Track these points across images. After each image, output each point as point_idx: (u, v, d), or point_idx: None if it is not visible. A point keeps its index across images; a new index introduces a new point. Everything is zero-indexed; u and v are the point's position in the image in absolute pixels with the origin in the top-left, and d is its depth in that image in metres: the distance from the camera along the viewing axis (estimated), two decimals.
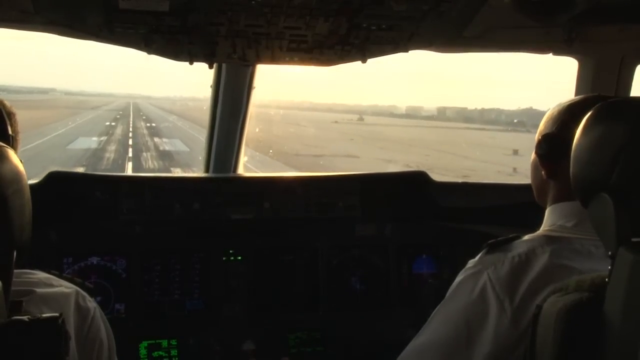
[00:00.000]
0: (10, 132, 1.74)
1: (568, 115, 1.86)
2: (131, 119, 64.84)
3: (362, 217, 3.50)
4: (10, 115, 1.81)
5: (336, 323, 3.37)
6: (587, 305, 1.34)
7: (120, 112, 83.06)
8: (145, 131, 49.76)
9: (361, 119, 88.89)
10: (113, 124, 56.15)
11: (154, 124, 59.33)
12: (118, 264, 3.18)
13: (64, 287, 1.75)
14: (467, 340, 1.68)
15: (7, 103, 1.85)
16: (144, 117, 73.25)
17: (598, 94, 2.02)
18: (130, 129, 50.20)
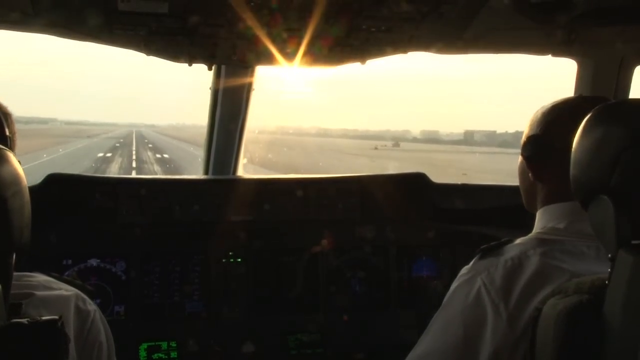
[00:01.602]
0: (7, 132, 1.74)
1: (552, 117, 1.88)
2: (134, 148, 51.42)
3: (361, 219, 3.50)
4: (7, 115, 1.81)
5: (336, 325, 3.37)
6: (586, 308, 1.34)
7: (121, 141, 69.97)
8: (157, 168, 34.03)
9: (397, 145, 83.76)
10: (108, 155, 42.38)
11: (166, 155, 43.75)
12: (118, 266, 3.18)
13: (64, 290, 1.74)
14: (465, 347, 1.68)
15: (2, 104, 1.85)
16: (150, 146, 59.21)
17: (580, 94, 2.04)
18: (134, 165, 35.53)
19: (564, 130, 1.51)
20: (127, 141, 68.42)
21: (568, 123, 1.50)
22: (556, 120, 1.84)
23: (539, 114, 1.93)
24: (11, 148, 1.74)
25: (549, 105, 1.93)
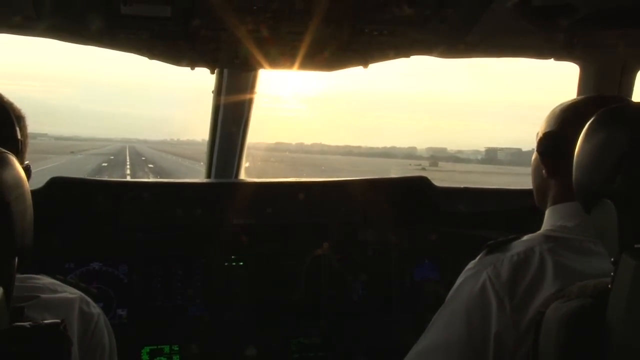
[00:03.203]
0: (19, 136, 1.74)
1: (569, 114, 1.90)
2: (128, 171, 37.59)
3: (363, 223, 3.50)
4: (20, 118, 1.81)
5: (338, 328, 3.36)
6: (589, 312, 1.34)
7: (111, 158, 55.43)
8: None
9: (435, 164, 75.67)
10: None
11: None
12: (120, 270, 3.17)
13: (68, 292, 1.75)
14: (469, 341, 1.69)
15: (16, 106, 1.86)
16: (151, 166, 43.13)
17: (600, 94, 2.03)
18: None
19: (579, 129, 1.51)
20: (119, 159, 53.43)
21: (583, 122, 1.50)
22: (572, 118, 1.85)
23: (557, 111, 1.94)
24: (22, 151, 1.75)
25: (567, 103, 1.94)
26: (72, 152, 69.43)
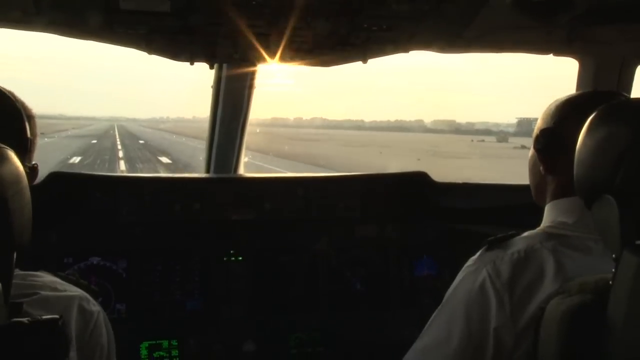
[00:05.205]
0: (28, 134, 1.75)
1: (566, 110, 1.88)
2: (120, 168, 26.22)
3: (362, 218, 3.50)
4: (30, 117, 1.83)
5: (336, 324, 3.36)
6: (590, 308, 1.34)
7: (93, 142, 42.04)
8: None
9: (504, 139, 68.86)
10: None
11: None
12: (119, 264, 3.18)
13: (68, 290, 1.74)
14: (469, 338, 1.69)
15: (27, 106, 1.88)
16: (165, 160, 30.10)
17: (595, 89, 2.02)
18: None
19: (576, 125, 1.51)
20: (103, 145, 39.09)
21: (581, 117, 1.50)
22: (569, 114, 1.84)
23: (553, 107, 1.92)
24: (31, 150, 1.78)
25: (564, 99, 1.93)
26: (42, 134, 60.06)
